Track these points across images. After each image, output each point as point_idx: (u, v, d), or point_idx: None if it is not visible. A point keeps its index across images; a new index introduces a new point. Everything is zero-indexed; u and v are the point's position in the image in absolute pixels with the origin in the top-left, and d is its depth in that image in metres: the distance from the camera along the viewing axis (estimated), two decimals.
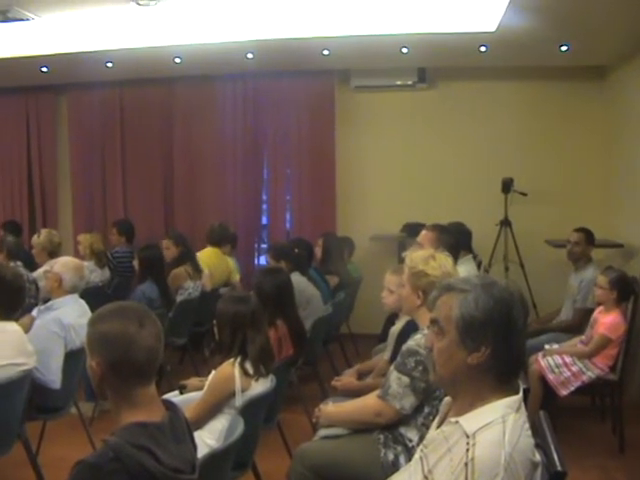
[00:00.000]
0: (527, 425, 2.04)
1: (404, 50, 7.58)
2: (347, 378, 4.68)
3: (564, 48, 7.23)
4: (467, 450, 1.95)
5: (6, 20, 6.98)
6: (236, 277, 8.06)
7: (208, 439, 3.53)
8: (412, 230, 7.83)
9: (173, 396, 4.06)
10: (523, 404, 2.08)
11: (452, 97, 8.69)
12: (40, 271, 6.70)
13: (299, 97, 9.00)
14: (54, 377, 4.59)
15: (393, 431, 3.38)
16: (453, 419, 2.10)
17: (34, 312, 5.21)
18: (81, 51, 7.70)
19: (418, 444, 3.00)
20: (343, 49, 7.63)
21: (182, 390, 4.29)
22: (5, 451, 4.06)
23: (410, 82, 8.71)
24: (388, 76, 8.73)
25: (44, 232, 7.44)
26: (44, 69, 8.48)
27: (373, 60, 8.21)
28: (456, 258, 4.42)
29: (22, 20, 7.03)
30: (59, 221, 9.92)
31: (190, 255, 7.34)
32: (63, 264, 5.20)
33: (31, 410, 4.42)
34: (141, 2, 6.57)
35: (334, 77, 8.91)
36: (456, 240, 5.13)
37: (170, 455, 2.07)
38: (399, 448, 3.33)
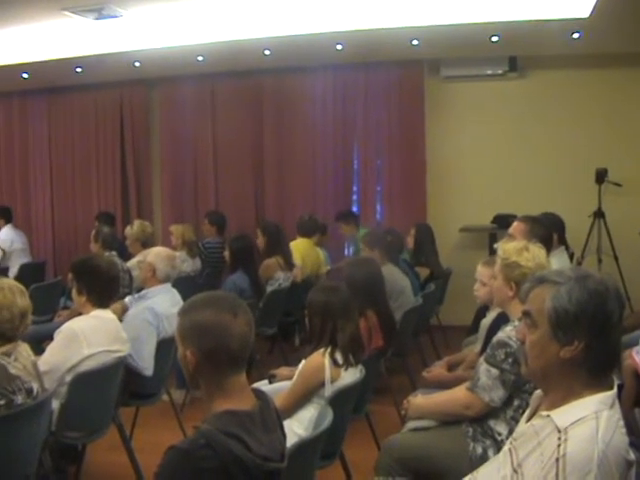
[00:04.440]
0: (622, 422, 1.99)
1: (494, 39, 7.47)
2: (437, 369, 4.66)
3: None
4: (558, 445, 1.91)
5: (101, 17, 7.17)
6: (324, 269, 8.08)
7: (297, 428, 3.56)
8: (503, 221, 7.74)
9: (262, 385, 4.11)
10: (617, 400, 2.04)
11: (543, 86, 8.53)
12: (134, 261, 6.87)
13: (389, 88, 8.96)
14: (147, 364, 4.70)
15: (482, 424, 3.35)
16: (544, 413, 2.06)
17: (127, 299, 5.34)
18: (172, 45, 7.85)
19: (507, 438, 2.97)
20: (433, 39, 7.57)
21: (271, 379, 4.34)
22: (101, 434, 4.19)
23: (500, 71, 8.59)
24: (478, 65, 8.62)
25: (137, 223, 7.61)
26: (137, 64, 8.67)
27: (463, 49, 8.12)
28: (549, 250, 4.35)
29: (115, 17, 7.20)
30: (152, 212, 10.14)
31: (281, 247, 7.36)
32: (156, 254, 5.32)
33: (125, 396, 4.55)
34: None
35: (424, 67, 8.85)
36: (549, 232, 5.03)
37: (260, 443, 2.10)
38: (488, 442, 3.30)
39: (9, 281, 3.58)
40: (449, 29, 7.12)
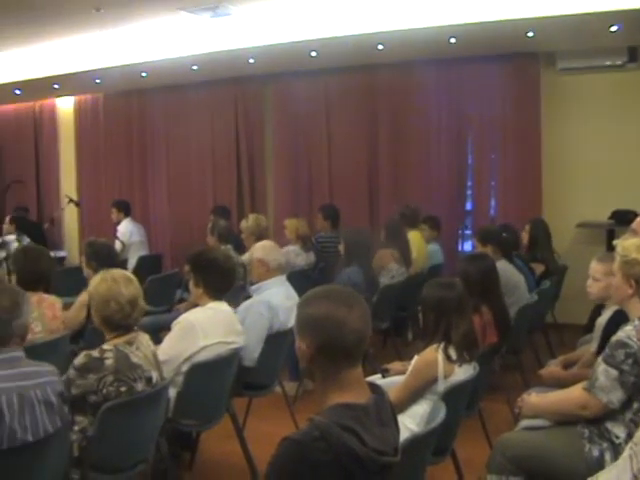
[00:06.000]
0: None
1: (613, 28, 7.22)
2: (553, 367, 4.58)
3: None
4: None
5: (215, 15, 7.33)
6: (428, 264, 7.98)
7: (409, 423, 3.56)
8: (621, 217, 7.53)
9: (376, 379, 4.12)
10: None
11: None
12: (248, 255, 6.96)
13: (503, 81, 8.81)
14: (249, 356, 4.76)
15: (599, 426, 3.26)
16: None
17: (253, 287, 5.42)
18: (285, 42, 7.95)
19: (625, 441, 2.91)
20: (548, 30, 7.38)
21: (385, 374, 4.35)
22: (215, 423, 4.32)
23: (619, 62, 8.30)
24: (596, 57, 8.35)
25: (252, 217, 7.71)
26: (251, 60, 8.80)
27: (580, 40, 7.89)
28: None
29: (230, 14, 7.35)
30: (265, 206, 10.28)
31: (399, 241, 7.33)
32: (261, 248, 5.40)
33: (239, 386, 4.64)
34: None
35: (539, 60, 8.65)
36: None
37: (374, 437, 2.10)
38: (605, 444, 3.21)
39: (113, 271, 3.67)
40: (566, 19, 6.93)
